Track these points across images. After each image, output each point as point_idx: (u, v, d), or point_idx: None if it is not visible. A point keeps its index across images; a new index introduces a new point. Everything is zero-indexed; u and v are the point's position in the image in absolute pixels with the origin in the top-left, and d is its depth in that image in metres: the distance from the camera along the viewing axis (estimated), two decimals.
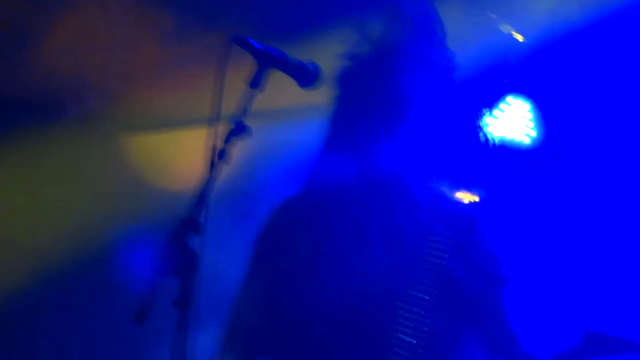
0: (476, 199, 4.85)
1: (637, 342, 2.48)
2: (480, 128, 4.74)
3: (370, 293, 2.70)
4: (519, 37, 4.97)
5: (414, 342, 2.64)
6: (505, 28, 4.96)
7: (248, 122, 2.46)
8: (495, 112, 4.94)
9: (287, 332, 2.76)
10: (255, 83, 2.51)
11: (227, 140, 2.40)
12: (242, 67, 2.53)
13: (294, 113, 5.36)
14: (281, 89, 2.73)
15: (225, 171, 2.44)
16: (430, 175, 2.84)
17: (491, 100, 4.95)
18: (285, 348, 2.77)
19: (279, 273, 2.81)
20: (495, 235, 2.85)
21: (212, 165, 2.38)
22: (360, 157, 2.76)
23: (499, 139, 4.94)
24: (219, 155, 2.39)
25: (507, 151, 4.94)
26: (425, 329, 2.65)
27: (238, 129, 2.41)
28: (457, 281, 2.73)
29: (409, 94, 2.81)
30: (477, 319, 2.74)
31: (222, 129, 2.43)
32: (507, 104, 4.96)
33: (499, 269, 2.78)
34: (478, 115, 4.91)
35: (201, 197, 2.33)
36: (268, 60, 2.55)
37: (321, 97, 2.97)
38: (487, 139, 4.88)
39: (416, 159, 2.81)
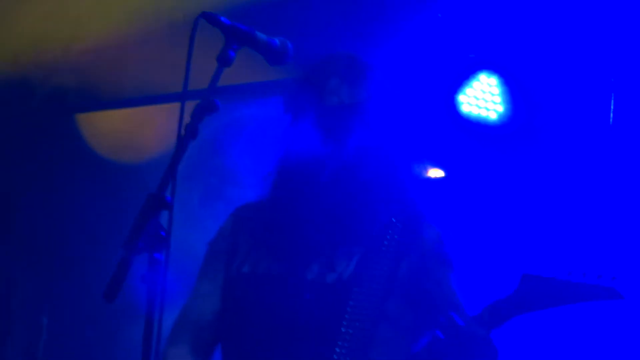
0: (441, 174, 4.87)
1: (575, 282, 2.52)
2: (450, 105, 4.77)
3: (323, 286, 2.75)
4: None
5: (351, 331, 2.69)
6: None
7: (216, 97, 2.45)
8: (463, 88, 4.95)
9: (238, 326, 2.80)
10: (224, 59, 2.51)
11: (195, 116, 2.39)
12: (212, 43, 2.52)
13: (261, 88, 5.35)
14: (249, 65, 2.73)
15: (193, 148, 2.43)
16: (392, 158, 2.87)
17: (459, 77, 4.95)
18: (235, 342, 2.81)
19: (236, 277, 2.85)
20: (446, 218, 2.89)
21: (180, 141, 2.37)
22: (328, 146, 2.78)
23: (466, 114, 4.95)
24: (187, 131, 2.38)
25: (473, 127, 4.95)
26: (370, 316, 2.70)
27: (206, 105, 2.40)
28: (406, 269, 2.78)
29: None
30: (430, 305, 2.78)
31: (191, 104, 2.42)
32: (475, 79, 4.97)
33: (448, 254, 2.83)
34: (447, 93, 4.94)
35: (169, 173, 2.33)
36: (236, 37, 2.55)
37: (289, 73, 2.97)
38: (456, 116, 4.91)
39: (384, 142, 2.85)
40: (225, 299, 2.85)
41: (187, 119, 2.40)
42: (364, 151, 2.80)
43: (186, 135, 2.36)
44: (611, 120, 4.63)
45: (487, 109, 4.96)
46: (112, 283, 2.18)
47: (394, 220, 2.81)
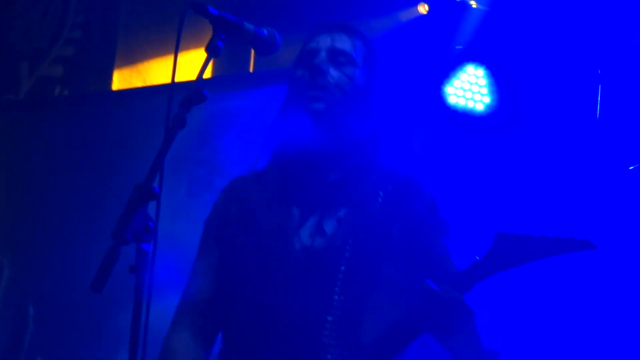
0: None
1: (550, 237, 2.52)
2: (437, 97, 4.78)
3: (312, 252, 2.72)
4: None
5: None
6: None
7: (204, 88, 2.44)
8: (450, 79, 4.95)
9: (237, 308, 2.78)
10: (212, 49, 2.50)
11: (183, 106, 2.39)
12: (200, 33, 2.52)
13: (247, 79, 5.35)
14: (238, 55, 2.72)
15: (181, 138, 2.43)
16: (383, 143, 2.84)
17: (447, 69, 4.96)
18: (235, 325, 2.79)
19: (229, 250, 2.83)
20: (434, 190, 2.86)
21: (168, 132, 2.36)
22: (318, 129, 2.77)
23: (453, 106, 4.95)
24: (174, 122, 2.37)
25: (460, 118, 4.96)
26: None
27: (194, 95, 2.40)
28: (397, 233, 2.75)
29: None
30: (424, 270, 2.73)
31: (179, 94, 2.41)
32: (462, 70, 4.98)
33: (441, 219, 2.81)
34: (434, 84, 4.94)
35: (157, 164, 2.32)
36: (224, 27, 2.54)
37: (276, 63, 2.96)
38: (443, 107, 4.92)
39: (374, 128, 2.82)
40: (220, 273, 2.82)
41: (175, 109, 2.40)
42: (354, 120, 2.77)
43: (174, 126, 2.36)
44: (598, 110, 4.64)
45: (474, 100, 4.97)
46: (99, 274, 2.17)
47: (385, 184, 2.78)
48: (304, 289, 2.69)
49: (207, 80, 2.45)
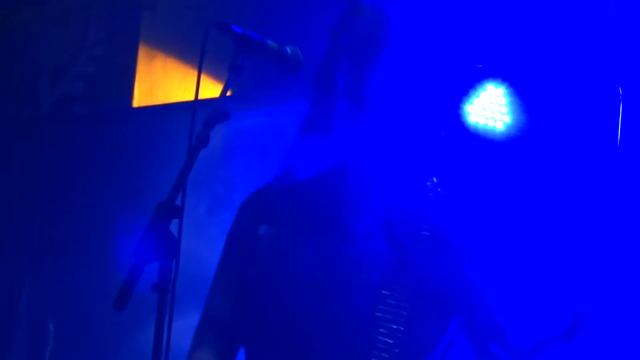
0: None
1: None
2: (456, 116, 4.76)
3: (346, 286, 2.62)
4: None
5: (391, 341, 2.56)
6: None
7: (227, 106, 2.45)
8: (471, 98, 4.95)
9: (260, 325, 2.72)
10: (234, 68, 2.51)
11: (207, 124, 2.39)
12: (224, 52, 2.52)
13: (269, 97, 5.36)
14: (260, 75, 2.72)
15: (201, 156, 2.43)
16: (406, 170, 2.76)
17: (467, 87, 4.95)
18: (259, 341, 2.74)
19: (251, 265, 2.76)
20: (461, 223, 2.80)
21: (191, 150, 2.37)
22: (336, 147, 2.72)
23: (472, 125, 4.94)
24: (198, 139, 2.38)
25: (479, 138, 4.95)
26: (403, 321, 2.57)
27: (218, 113, 2.41)
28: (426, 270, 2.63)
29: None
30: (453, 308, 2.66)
31: (202, 112, 2.42)
32: (482, 89, 4.97)
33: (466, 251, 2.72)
34: (454, 103, 4.93)
35: (180, 181, 2.33)
36: (246, 45, 2.55)
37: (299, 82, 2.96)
38: (461, 127, 4.90)
39: (394, 152, 2.75)
40: (242, 296, 2.76)
41: (198, 127, 2.41)
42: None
43: (197, 144, 2.36)
44: (619, 129, 4.62)
45: (494, 120, 4.96)
46: (122, 291, 2.18)
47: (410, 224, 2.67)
48: (337, 328, 2.58)
49: (227, 97, 2.45)
